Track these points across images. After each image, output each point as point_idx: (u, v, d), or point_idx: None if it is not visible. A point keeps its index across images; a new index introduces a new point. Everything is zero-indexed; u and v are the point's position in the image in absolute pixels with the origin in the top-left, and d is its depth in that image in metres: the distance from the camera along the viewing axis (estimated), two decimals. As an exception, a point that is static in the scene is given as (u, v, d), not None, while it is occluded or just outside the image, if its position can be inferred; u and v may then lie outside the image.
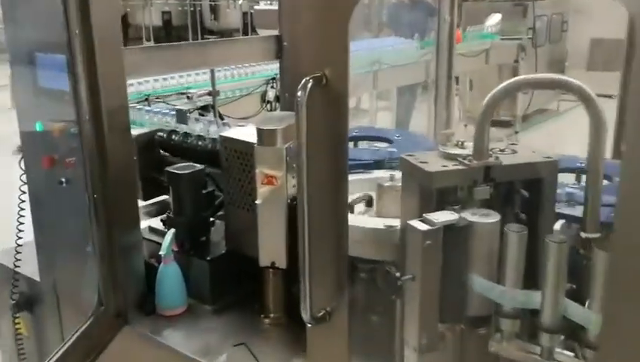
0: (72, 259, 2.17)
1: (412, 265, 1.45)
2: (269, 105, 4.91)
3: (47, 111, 2.06)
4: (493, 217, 1.45)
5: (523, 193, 1.57)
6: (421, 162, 1.55)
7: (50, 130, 2.02)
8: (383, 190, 1.98)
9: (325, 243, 1.48)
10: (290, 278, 1.99)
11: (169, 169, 2.15)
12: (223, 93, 4.55)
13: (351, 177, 2.19)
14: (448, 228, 1.43)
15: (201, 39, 12.24)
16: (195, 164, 2.18)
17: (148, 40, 14.18)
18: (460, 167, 1.50)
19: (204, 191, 2.20)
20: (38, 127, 2.06)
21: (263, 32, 9.29)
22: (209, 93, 4.01)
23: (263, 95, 4.91)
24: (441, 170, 1.49)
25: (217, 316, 2.09)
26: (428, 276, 1.43)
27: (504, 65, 9.63)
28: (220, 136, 2.04)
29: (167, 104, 4.08)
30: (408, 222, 1.45)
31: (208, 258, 2.09)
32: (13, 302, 2.45)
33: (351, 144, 2.72)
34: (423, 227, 1.41)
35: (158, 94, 4.07)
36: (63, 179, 2.04)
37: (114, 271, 2.06)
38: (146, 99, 3.93)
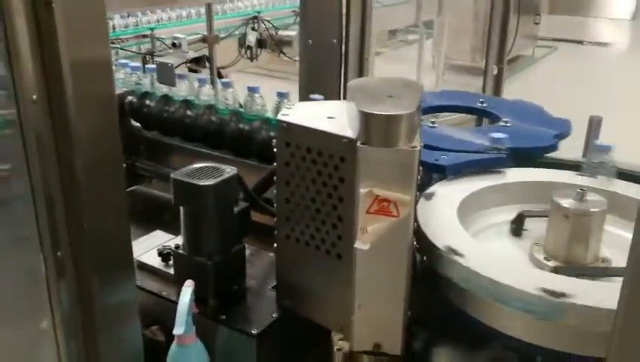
0: (9, 337, 1.26)
1: None
2: (248, 52, 3.92)
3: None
4: None
5: None
6: None
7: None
8: (565, 215, 1.15)
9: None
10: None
11: (176, 176, 1.25)
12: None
13: (476, 182, 1.37)
14: None
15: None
16: (220, 166, 1.28)
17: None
18: None
19: (236, 210, 1.31)
20: None
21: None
22: (203, 40, 2.96)
23: (242, 39, 3.91)
24: None
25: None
26: None
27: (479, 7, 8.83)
28: (281, 122, 1.14)
29: (125, 50, 3.04)
30: None
31: (254, 330, 1.22)
32: None
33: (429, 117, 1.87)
34: None
35: (114, 37, 3.02)
36: (-15, 203, 1.11)
37: (91, 355, 1.17)
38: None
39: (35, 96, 0.91)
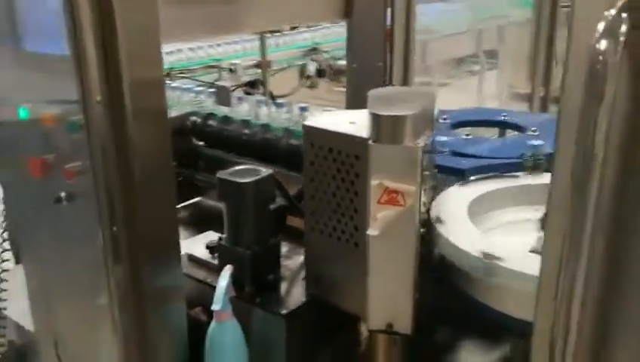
0: (79, 311, 1.47)
1: None
2: (309, 81, 4.13)
3: (36, 89, 1.34)
4: None
5: None
6: None
7: (40, 119, 1.30)
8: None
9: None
10: (415, 350, 1.29)
11: (221, 175, 1.44)
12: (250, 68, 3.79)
13: (496, 184, 1.49)
14: None
15: None
16: (259, 168, 1.46)
17: None
18: None
19: (272, 207, 1.48)
20: (22, 114, 1.35)
21: None
22: (257, 65, 3.23)
23: (302, 69, 4.13)
24: None
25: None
26: None
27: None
28: (306, 126, 1.31)
29: (194, 80, 3.32)
30: None
31: (284, 311, 1.38)
32: (-1, 357, 1.76)
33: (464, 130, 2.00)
34: None
35: (181, 67, 3.32)
36: (63, 194, 1.32)
37: (142, 329, 1.36)
38: (168, 74, 3.18)
39: (98, 98, 1.12)
